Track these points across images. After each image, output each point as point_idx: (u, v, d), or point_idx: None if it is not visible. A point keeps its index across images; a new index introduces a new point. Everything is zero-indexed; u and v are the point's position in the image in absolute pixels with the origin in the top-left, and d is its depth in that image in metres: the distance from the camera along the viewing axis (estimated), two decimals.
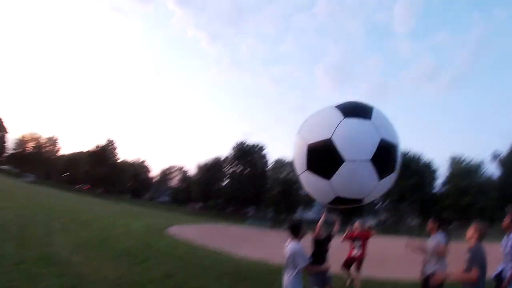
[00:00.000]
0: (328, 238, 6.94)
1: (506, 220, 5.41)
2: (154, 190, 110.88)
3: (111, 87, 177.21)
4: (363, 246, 8.98)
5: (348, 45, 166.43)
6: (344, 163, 3.81)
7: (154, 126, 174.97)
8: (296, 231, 4.90)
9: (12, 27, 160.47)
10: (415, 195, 71.95)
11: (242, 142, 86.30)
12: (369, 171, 3.91)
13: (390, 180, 4.38)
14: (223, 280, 8.11)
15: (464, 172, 69.98)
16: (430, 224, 6.53)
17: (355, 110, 4.25)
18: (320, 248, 6.66)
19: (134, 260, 9.73)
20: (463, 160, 73.75)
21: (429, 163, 76.50)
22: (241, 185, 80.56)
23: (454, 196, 68.15)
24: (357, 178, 3.97)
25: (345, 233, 9.56)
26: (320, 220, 6.86)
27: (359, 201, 4.45)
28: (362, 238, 9.10)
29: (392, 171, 4.32)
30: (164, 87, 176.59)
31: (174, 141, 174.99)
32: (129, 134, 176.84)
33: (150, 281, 7.39)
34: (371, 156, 3.85)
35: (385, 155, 4.01)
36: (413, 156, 75.65)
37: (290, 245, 4.82)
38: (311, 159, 4.06)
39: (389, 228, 59.65)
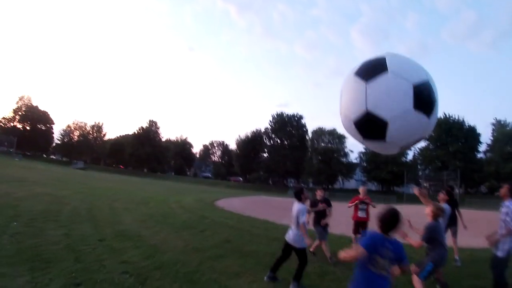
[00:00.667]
0: (323, 202, 9.04)
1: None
2: (196, 166, 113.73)
3: (148, 69, 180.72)
4: (367, 210, 9.77)
5: (383, 2, 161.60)
6: (388, 123, 3.87)
7: (193, 103, 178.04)
8: (299, 196, 6.34)
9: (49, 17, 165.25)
10: (458, 162, 69.38)
11: (280, 114, 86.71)
12: (418, 116, 3.91)
13: (436, 113, 4.29)
14: (273, 245, 9.18)
15: (508, 137, 66.89)
16: (504, 189, 5.65)
17: (372, 70, 4.15)
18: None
19: (194, 231, 11.05)
20: (508, 124, 70.25)
21: (472, 128, 72.75)
22: (281, 157, 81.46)
23: (497, 163, 65.46)
24: (408, 128, 4.01)
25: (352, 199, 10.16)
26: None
27: (419, 139, 4.60)
28: (366, 203, 9.80)
29: (434, 104, 4.17)
30: (199, 63, 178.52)
31: (213, 117, 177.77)
32: (170, 113, 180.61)
33: (212, 247, 8.68)
34: (412, 104, 3.83)
35: (422, 96, 3.93)
36: (456, 121, 72.78)
37: (295, 206, 6.27)
38: (362, 131, 4.24)
39: (431, 197, 58.86)
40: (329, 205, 9.05)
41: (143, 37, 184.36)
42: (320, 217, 8.88)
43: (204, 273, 6.34)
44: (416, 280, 5.35)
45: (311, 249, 8.56)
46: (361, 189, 10.19)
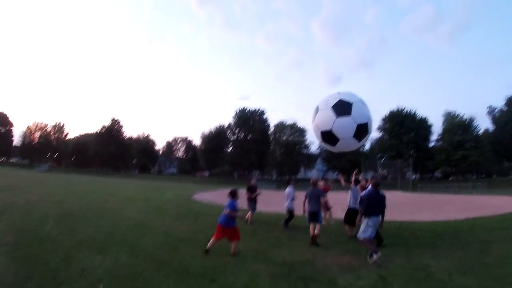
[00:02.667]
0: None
1: None
2: (161, 163, 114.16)
3: (107, 64, 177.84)
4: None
5: None
6: (339, 140, 8.65)
7: (154, 98, 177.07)
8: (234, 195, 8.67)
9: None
10: (411, 151, 75.60)
11: (243, 109, 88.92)
12: (354, 141, 8.76)
13: (366, 139, 9.31)
14: (254, 225, 12.03)
15: (457, 127, 72.20)
16: None
17: (342, 110, 8.45)
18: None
19: (189, 220, 13.46)
20: (457, 115, 75.72)
21: (424, 119, 78.71)
22: (245, 150, 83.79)
23: (447, 151, 70.76)
24: (347, 145, 8.99)
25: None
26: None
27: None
28: (325, 191, 12.52)
29: (367, 135, 8.95)
30: (159, 57, 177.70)
31: (175, 112, 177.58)
32: (131, 109, 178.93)
33: (208, 229, 10.97)
34: (352, 134, 8.49)
35: (361, 130, 8.53)
36: (409, 112, 78.36)
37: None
38: (324, 138, 8.91)
39: (388, 183, 62.89)
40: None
41: (100, 30, 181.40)
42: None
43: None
44: None
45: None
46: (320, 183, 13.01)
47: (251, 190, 13.47)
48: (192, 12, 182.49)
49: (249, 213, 13.15)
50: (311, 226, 9.69)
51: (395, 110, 79.92)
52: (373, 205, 7.96)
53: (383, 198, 8.23)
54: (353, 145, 9.00)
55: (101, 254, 7.37)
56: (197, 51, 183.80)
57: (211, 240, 8.06)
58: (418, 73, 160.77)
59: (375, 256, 7.41)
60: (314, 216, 9.85)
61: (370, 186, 8.52)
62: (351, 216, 10.20)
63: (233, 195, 8.57)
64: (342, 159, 74.85)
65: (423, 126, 77.88)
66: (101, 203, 17.88)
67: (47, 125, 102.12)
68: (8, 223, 10.35)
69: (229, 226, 8.13)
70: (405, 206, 22.88)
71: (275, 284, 5.93)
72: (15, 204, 14.64)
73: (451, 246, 9.26)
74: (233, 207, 8.23)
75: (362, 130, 8.58)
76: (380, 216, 8.06)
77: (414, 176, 79.34)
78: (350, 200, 10.83)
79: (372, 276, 6.46)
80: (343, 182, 11.53)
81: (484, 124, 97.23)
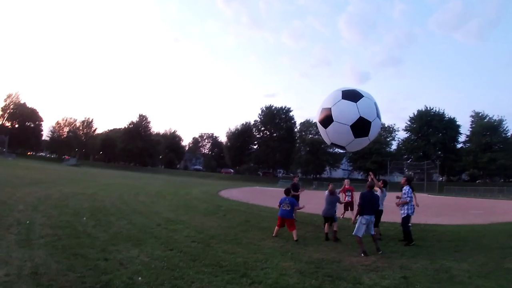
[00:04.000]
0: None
1: None
2: (186, 159, 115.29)
3: (135, 62, 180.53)
4: (352, 195, 14.62)
5: None
6: (333, 122, 8.43)
7: (181, 95, 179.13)
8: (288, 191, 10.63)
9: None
10: (438, 152, 74.04)
11: (269, 106, 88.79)
12: (348, 131, 8.36)
13: (361, 141, 8.74)
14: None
15: (486, 128, 70.63)
16: None
17: (350, 95, 8.37)
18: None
19: (218, 215, 13.79)
20: (486, 116, 74.11)
21: (452, 119, 76.78)
22: (271, 148, 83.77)
23: (475, 153, 69.25)
24: (340, 132, 8.55)
25: (341, 188, 15.01)
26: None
27: (342, 147, 9.20)
28: (351, 190, 14.81)
29: (365, 136, 8.57)
30: (185, 54, 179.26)
31: (201, 109, 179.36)
32: (158, 106, 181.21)
33: (238, 225, 11.66)
34: (351, 124, 8.24)
35: (361, 125, 8.26)
36: (437, 112, 76.62)
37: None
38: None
39: (414, 185, 61.44)
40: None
41: (128, 30, 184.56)
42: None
43: (241, 239, 9.21)
44: None
45: None
46: (345, 181, 15.40)
47: (295, 188, 13.82)
48: (218, 10, 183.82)
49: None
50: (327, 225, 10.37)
51: (423, 110, 78.42)
52: (368, 204, 8.54)
53: (376, 198, 9.07)
54: (345, 135, 8.73)
55: (137, 247, 7.57)
56: (223, 48, 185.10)
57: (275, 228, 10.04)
58: (446, 71, 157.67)
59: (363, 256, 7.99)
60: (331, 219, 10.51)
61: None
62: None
63: (287, 192, 10.63)
64: (368, 159, 74.03)
65: (451, 126, 76.14)
66: (132, 197, 18.31)
67: (76, 120, 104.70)
68: (45, 215, 10.62)
69: (289, 217, 9.88)
70: (430, 209, 22.56)
71: (303, 281, 6.00)
72: (50, 197, 15.05)
73: (473, 250, 9.26)
74: (293, 203, 10.27)
75: (364, 125, 8.58)
76: (374, 216, 8.71)
77: (440, 178, 77.75)
78: None
79: (396, 276, 6.52)
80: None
81: None
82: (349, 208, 14.60)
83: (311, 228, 11.83)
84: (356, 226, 8.51)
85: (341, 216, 14.23)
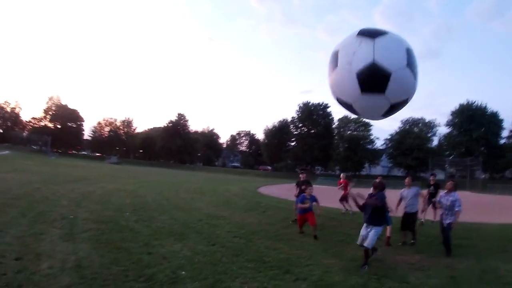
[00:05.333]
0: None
1: None
2: (224, 156, 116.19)
3: (171, 63, 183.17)
4: (345, 188, 14.28)
5: None
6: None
7: (217, 94, 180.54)
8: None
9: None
10: (481, 148, 70.24)
11: (306, 103, 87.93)
12: (353, 82, 4.81)
13: (373, 99, 5.03)
14: (320, 219, 10.89)
15: None
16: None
17: (368, 31, 4.97)
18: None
19: (258, 212, 13.66)
20: None
21: (495, 113, 73.12)
22: (308, 145, 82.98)
23: None
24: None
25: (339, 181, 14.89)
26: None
27: (349, 106, 5.39)
28: (345, 184, 14.54)
29: (378, 92, 4.87)
30: (220, 53, 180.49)
31: (238, 107, 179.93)
32: (196, 104, 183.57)
33: (278, 222, 11.45)
34: (357, 70, 4.70)
35: (373, 75, 4.67)
36: (479, 106, 73.21)
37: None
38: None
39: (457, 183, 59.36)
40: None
41: (165, 31, 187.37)
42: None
43: (283, 236, 9.04)
44: None
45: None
46: (342, 175, 15.46)
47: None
48: (251, 8, 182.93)
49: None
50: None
51: (464, 104, 75.21)
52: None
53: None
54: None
55: (179, 241, 7.53)
56: (257, 46, 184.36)
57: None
58: (487, 63, 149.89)
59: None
60: None
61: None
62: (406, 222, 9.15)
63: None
64: (408, 156, 71.93)
65: (493, 121, 71.96)
66: (172, 193, 18.40)
67: (116, 120, 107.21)
68: (88, 210, 10.74)
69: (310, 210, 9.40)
70: (474, 207, 21.50)
71: (348, 279, 5.85)
72: (93, 193, 15.28)
73: None
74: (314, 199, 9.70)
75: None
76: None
77: (483, 176, 74.41)
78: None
79: (442, 275, 6.32)
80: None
81: None
82: (346, 200, 14.14)
83: (354, 225, 11.36)
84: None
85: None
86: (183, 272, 5.51)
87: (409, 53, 4.97)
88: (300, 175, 12.97)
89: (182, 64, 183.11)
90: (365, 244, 6.67)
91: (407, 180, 9.75)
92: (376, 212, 6.86)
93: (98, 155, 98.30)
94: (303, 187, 10.79)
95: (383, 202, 7.19)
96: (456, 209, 7.80)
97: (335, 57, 5.21)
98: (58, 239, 6.94)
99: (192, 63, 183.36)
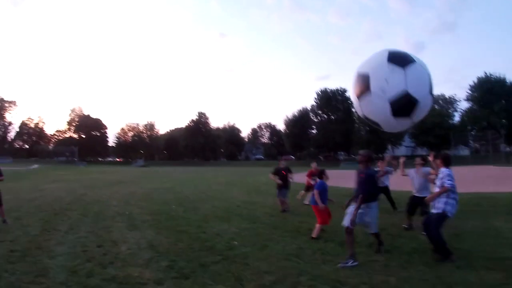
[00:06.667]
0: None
1: None
2: (247, 149, 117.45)
3: (188, 63, 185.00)
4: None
5: None
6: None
7: (236, 88, 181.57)
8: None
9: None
10: (503, 120, 69.13)
11: (324, 90, 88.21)
12: (385, 108, 5.51)
13: (401, 122, 5.93)
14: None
15: None
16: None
17: (397, 58, 5.66)
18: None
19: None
20: None
21: None
22: (330, 131, 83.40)
23: None
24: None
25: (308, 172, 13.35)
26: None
27: (376, 124, 6.19)
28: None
29: (406, 116, 5.74)
30: (232, 48, 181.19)
31: (257, 99, 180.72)
32: (215, 101, 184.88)
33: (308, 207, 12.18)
34: (391, 99, 5.42)
35: (405, 103, 5.51)
36: (497, 79, 72.16)
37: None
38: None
39: (480, 157, 59.39)
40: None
41: (175, 31, 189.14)
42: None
43: (311, 213, 9.16)
44: None
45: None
46: (313, 164, 13.75)
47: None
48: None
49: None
50: None
51: (483, 77, 74.22)
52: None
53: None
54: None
55: (226, 223, 8.88)
56: (269, 36, 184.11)
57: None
58: (505, 32, 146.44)
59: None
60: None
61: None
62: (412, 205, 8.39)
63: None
64: (430, 134, 71.64)
65: None
66: (206, 187, 19.85)
67: (139, 124, 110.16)
68: (138, 207, 12.05)
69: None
70: (492, 179, 22.27)
71: (368, 238, 6.70)
72: (135, 193, 16.69)
73: None
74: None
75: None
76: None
77: (506, 148, 73.59)
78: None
79: (449, 233, 6.81)
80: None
81: None
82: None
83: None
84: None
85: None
86: (235, 242, 6.79)
87: (430, 80, 5.84)
88: (280, 162, 12.14)
89: (197, 62, 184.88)
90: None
91: (416, 159, 8.77)
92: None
93: (124, 161, 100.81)
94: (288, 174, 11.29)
95: (370, 185, 5.90)
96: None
97: (365, 80, 5.83)
98: (125, 229, 8.19)
99: (206, 60, 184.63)
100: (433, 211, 5.95)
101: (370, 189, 5.81)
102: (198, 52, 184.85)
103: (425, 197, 7.28)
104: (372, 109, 5.95)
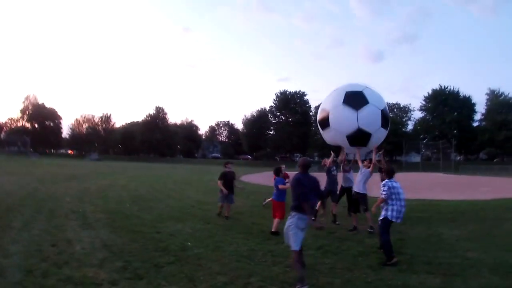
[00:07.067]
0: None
1: None
2: (204, 147, 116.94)
3: (146, 55, 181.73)
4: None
5: None
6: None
7: (195, 85, 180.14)
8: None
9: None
10: (454, 131, 73.56)
11: (283, 91, 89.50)
12: (343, 140, 7.90)
13: (359, 149, 8.33)
14: None
15: (501, 106, 69.93)
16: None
17: (352, 100, 7.53)
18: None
19: (242, 197, 14.84)
20: (501, 93, 73.16)
21: (467, 97, 76.39)
22: (287, 133, 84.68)
23: (491, 131, 68.83)
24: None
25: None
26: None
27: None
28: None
29: (363, 146, 8.18)
30: (196, 43, 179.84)
31: (216, 97, 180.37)
32: (174, 96, 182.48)
33: (261, 203, 13.04)
34: (347, 134, 7.76)
35: (359, 136, 7.77)
36: (452, 91, 76.36)
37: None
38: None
39: (431, 165, 62.05)
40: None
41: (138, 23, 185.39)
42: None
43: (266, 214, 10.43)
44: None
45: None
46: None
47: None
48: None
49: None
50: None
51: (437, 89, 78.34)
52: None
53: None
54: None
55: (180, 223, 9.17)
56: (234, 35, 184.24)
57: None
58: (462, 47, 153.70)
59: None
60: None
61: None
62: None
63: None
64: (384, 141, 73.96)
65: (466, 105, 75.73)
66: (161, 185, 20.00)
67: (94, 116, 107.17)
68: (92, 204, 12.04)
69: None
70: (440, 186, 23.70)
71: (316, 242, 7.45)
72: (89, 189, 16.55)
73: (468, 220, 10.54)
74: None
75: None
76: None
77: (457, 157, 77.62)
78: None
79: (394, 239, 7.30)
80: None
81: None
82: None
83: None
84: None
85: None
86: (189, 243, 7.08)
87: (383, 114, 7.62)
88: (226, 166, 11.31)
89: (158, 55, 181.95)
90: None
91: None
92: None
93: (77, 154, 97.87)
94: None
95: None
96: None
97: (326, 117, 7.77)
98: (79, 228, 8.25)
99: (168, 54, 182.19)
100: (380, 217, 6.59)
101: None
102: (160, 45, 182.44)
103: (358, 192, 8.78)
104: (333, 139, 7.90)
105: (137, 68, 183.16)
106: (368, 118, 7.25)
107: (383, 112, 7.57)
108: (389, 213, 6.37)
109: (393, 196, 6.39)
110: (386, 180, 6.61)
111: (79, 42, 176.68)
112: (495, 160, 70.02)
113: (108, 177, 25.87)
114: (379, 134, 7.62)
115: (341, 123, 7.38)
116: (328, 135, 7.96)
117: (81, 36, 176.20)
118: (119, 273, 5.20)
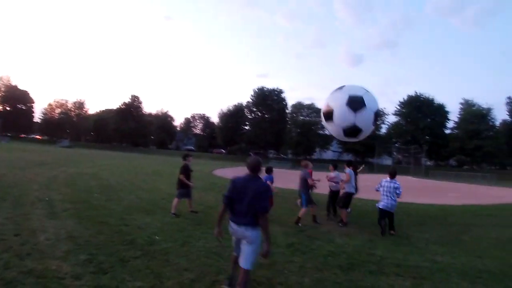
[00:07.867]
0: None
1: None
2: (178, 139, 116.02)
3: (127, 43, 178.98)
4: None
5: None
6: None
7: (172, 75, 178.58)
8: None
9: None
10: (426, 137, 76.22)
11: (261, 88, 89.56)
12: (340, 131, 9.23)
13: (350, 139, 9.75)
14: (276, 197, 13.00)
15: (474, 116, 72.43)
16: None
17: (353, 104, 8.89)
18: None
19: (214, 191, 15.77)
20: (475, 104, 75.75)
21: (441, 105, 78.82)
22: (262, 129, 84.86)
23: (462, 139, 71.56)
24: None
25: None
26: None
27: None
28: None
29: (354, 138, 9.59)
30: (176, 33, 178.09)
31: (193, 89, 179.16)
32: (150, 85, 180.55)
33: None
34: (344, 127, 9.06)
35: (353, 131, 9.07)
36: (426, 98, 78.78)
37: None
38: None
39: (401, 169, 63.35)
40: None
41: (119, 8, 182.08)
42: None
43: None
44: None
45: None
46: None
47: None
48: None
49: None
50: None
51: (413, 95, 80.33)
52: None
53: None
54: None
55: (149, 216, 9.09)
56: (215, 27, 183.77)
57: None
58: (440, 57, 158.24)
59: None
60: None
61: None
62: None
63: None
64: (357, 142, 75.33)
65: (440, 113, 78.28)
66: (133, 176, 19.78)
67: (68, 101, 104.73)
68: (60, 193, 11.82)
69: None
70: (411, 190, 24.12)
71: (287, 239, 7.70)
72: (58, 177, 16.25)
73: (437, 224, 11.02)
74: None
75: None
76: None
77: (428, 163, 79.68)
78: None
79: (364, 239, 8.20)
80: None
81: (503, 115, 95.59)
82: None
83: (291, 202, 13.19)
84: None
85: None
86: (157, 237, 7.03)
87: (376, 115, 9.30)
88: (188, 159, 10.61)
89: (136, 43, 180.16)
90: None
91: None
92: None
93: (48, 139, 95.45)
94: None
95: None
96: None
97: (330, 112, 9.25)
98: (44, 217, 8.07)
99: (148, 42, 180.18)
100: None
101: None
102: (139, 32, 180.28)
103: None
104: (331, 129, 9.59)
105: (115, 55, 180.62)
106: (363, 118, 8.93)
107: (375, 113, 9.30)
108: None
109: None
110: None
111: (56, 26, 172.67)
112: (464, 167, 72.03)
113: (77, 165, 25.37)
114: (368, 129, 9.37)
115: (342, 119, 9.01)
116: (329, 126, 9.61)
117: (59, 21, 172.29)
118: (83, 266, 5.09)
